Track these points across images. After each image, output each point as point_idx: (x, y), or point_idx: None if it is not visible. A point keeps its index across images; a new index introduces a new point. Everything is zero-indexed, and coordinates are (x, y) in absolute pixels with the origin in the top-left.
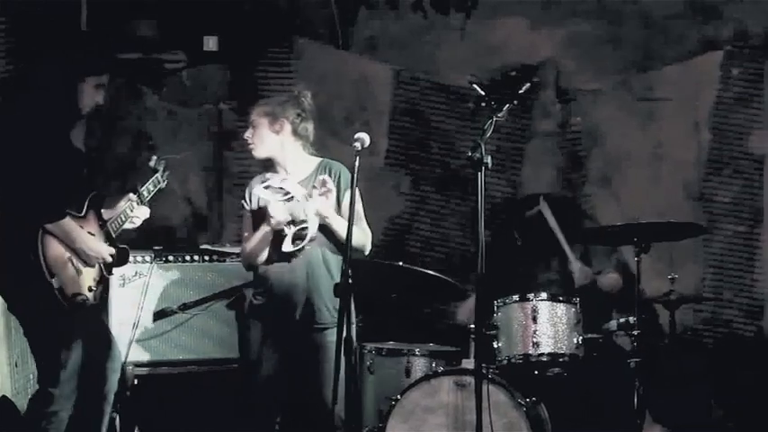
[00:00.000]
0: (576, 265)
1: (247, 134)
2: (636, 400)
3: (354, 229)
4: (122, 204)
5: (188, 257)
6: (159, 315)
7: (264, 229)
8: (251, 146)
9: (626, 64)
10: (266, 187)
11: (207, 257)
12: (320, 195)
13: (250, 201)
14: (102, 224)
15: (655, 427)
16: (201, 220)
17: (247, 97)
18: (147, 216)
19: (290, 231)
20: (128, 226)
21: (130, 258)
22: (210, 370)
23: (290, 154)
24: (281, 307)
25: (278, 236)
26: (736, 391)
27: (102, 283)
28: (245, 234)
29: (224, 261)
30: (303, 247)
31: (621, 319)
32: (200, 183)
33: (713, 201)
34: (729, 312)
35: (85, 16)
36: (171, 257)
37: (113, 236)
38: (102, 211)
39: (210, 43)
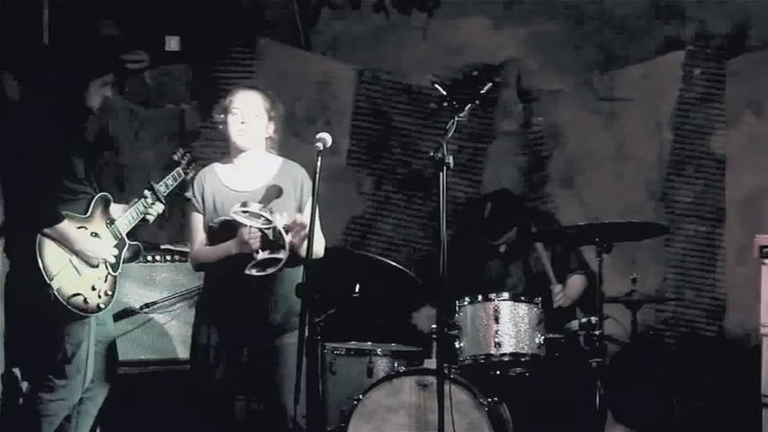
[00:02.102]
0: (557, 288)
1: (243, 120)
2: (597, 399)
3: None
4: (137, 202)
5: (150, 257)
6: (121, 315)
7: (230, 247)
8: (241, 132)
9: (588, 64)
10: (245, 211)
11: (168, 257)
12: (294, 238)
13: (203, 201)
14: (110, 223)
15: (616, 426)
16: (163, 220)
17: (209, 97)
18: (161, 212)
19: (258, 257)
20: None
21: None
22: (172, 370)
23: (259, 152)
24: (233, 309)
25: (243, 257)
26: (698, 391)
27: (109, 280)
28: (196, 237)
29: (186, 261)
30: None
31: (584, 319)
32: None
33: (675, 201)
34: (691, 312)
35: (47, 15)
36: None
37: (122, 234)
38: (115, 208)
39: (172, 43)
